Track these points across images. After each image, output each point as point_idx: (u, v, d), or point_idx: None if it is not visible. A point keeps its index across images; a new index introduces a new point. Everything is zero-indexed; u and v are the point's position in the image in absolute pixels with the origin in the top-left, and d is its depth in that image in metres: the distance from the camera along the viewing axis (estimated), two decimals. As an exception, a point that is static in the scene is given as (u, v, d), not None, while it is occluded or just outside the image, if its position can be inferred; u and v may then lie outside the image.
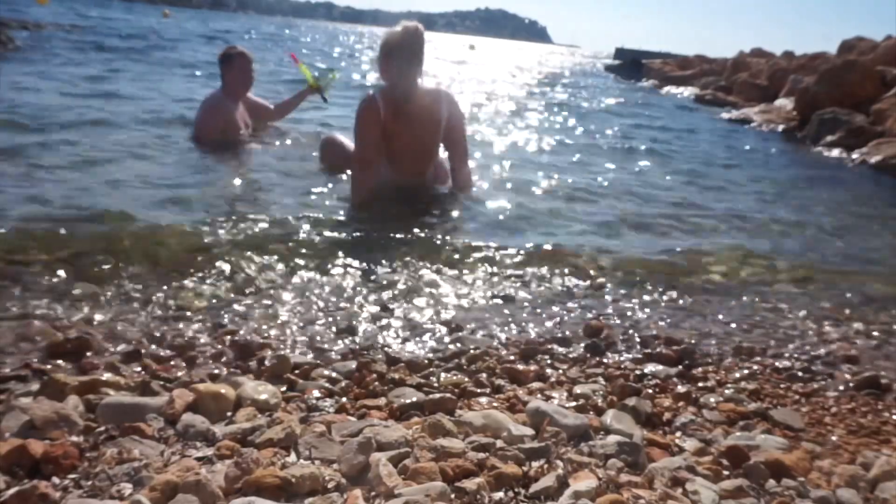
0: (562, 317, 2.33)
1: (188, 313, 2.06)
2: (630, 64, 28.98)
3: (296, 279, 2.42)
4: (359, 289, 2.39)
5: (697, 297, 2.64)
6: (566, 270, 2.79)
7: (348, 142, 3.93)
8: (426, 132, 3.40)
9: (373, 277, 2.51)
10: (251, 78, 4.55)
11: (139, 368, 1.68)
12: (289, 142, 4.80)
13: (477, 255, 2.87)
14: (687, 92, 17.41)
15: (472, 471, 1.25)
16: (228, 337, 1.91)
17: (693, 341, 2.20)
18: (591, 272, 2.80)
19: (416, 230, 3.13)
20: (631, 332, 2.24)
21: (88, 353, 1.73)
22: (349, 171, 3.78)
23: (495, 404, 1.61)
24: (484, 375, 1.78)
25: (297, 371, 1.72)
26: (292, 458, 1.28)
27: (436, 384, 1.71)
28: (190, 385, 1.54)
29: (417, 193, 3.65)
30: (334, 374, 1.72)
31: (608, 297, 2.55)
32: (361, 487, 1.19)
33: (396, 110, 3.28)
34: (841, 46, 12.18)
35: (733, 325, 2.40)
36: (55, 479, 1.16)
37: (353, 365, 1.77)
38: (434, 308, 2.29)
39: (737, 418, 1.67)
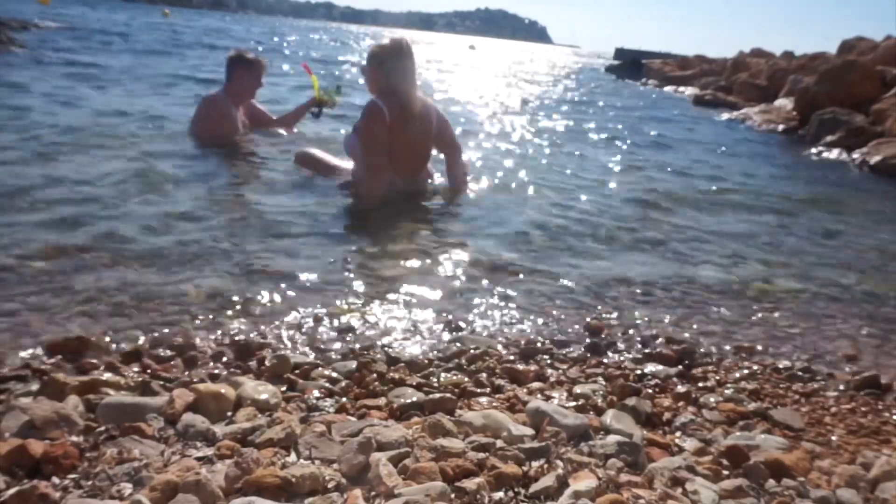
0: (562, 317, 2.33)
1: (188, 313, 2.06)
2: (630, 64, 28.98)
3: (296, 279, 2.42)
4: (359, 288, 2.39)
5: (697, 297, 2.64)
6: (566, 270, 2.79)
7: (322, 154, 4.06)
8: (423, 135, 3.59)
9: (373, 277, 2.51)
10: (260, 85, 4.56)
11: (139, 368, 1.68)
12: (286, 144, 4.80)
13: (477, 255, 2.87)
14: (687, 92, 17.42)
15: (472, 471, 1.25)
16: (228, 337, 1.91)
17: (693, 341, 2.21)
18: (592, 272, 2.80)
19: (415, 231, 3.13)
20: (631, 332, 2.24)
21: (88, 354, 1.73)
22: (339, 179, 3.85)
23: (495, 404, 1.61)
24: (484, 375, 1.78)
25: (297, 371, 1.72)
26: (292, 457, 1.28)
27: (436, 384, 1.71)
28: (190, 385, 1.54)
29: (416, 195, 3.67)
30: (334, 374, 1.72)
31: (608, 297, 2.55)
32: (361, 487, 1.19)
33: (398, 115, 3.42)
34: (841, 46, 12.18)
35: (733, 325, 2.40)
36: (55, 479, 1.16)
37: (353, 365, 1.77)
38: (434, 308, 2.29)
39: (737, 418, 1.67)
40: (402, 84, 3.43)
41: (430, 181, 3.85)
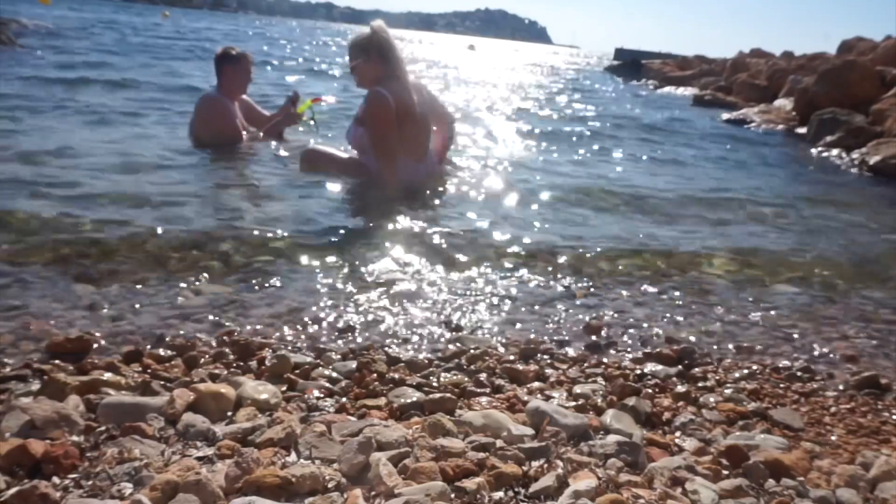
0: (562, 317, 2.33)
1: (188, 313, 2.06)
2: (630, 64, 29.02)
3: (296, 279, 2.42)
4: (359, 289, 2.39)
5: (697, 297, 2.64)
6: (566, 270, 2.79)
7: (330, 150, 4.08)
8: (424, 116, 3.66)
9: (373, 277, 2.51)
10: (250, 79, 4.54)
11: (139, 368, 1.68)
12: (287, 142, 4.80)
13: (477, 254, 2.87)
14: (686, 92, 17.42)
15: (472, 470, 1.26)
16: (228, 337, 1.91)
17: (693, 341, 2.21)
18: (591, 272, 2.81)
19: (416, 230, 3.13)
20: (631, 331, 2.24)
21: (89, 354, 1.73)
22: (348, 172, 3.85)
23: (495, 404, 1.62)
24: (484, 375, 1.78)
25: (297, 371, 1.72)
26: (292, 457, 1.28)
27: (436, 384, 1.71)
28: (190, 385, 1.54)
29: (417, 193, 3.67)
30: (334, 374, 1.73)
31: (608, 297, 2.55)
32: (361, 487, 1.19)
33: (402, 100, 3.47)
34: (841, 46, 12.20)
35: (733, 325, 2.40)
36: (56, 479, 1.16)
37: (353, 365, 1.77)
38: (434, 308, 2.29)
39: (736, 418, 1.67)
40: (398, 68, 3.49)
41: (438, 164, 3.92)
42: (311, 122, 4.81)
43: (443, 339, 2.04)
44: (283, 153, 4.41)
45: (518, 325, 2.22)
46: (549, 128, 7.87)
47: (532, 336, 2.14)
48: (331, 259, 2.65)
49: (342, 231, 3.08)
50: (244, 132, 4.49)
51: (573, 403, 1.65)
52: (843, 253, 3.53)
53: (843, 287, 2.93)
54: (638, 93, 17.93)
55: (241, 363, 1.76)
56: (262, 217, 3.13)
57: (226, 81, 4.39)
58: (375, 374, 1.71)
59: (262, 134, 4.66)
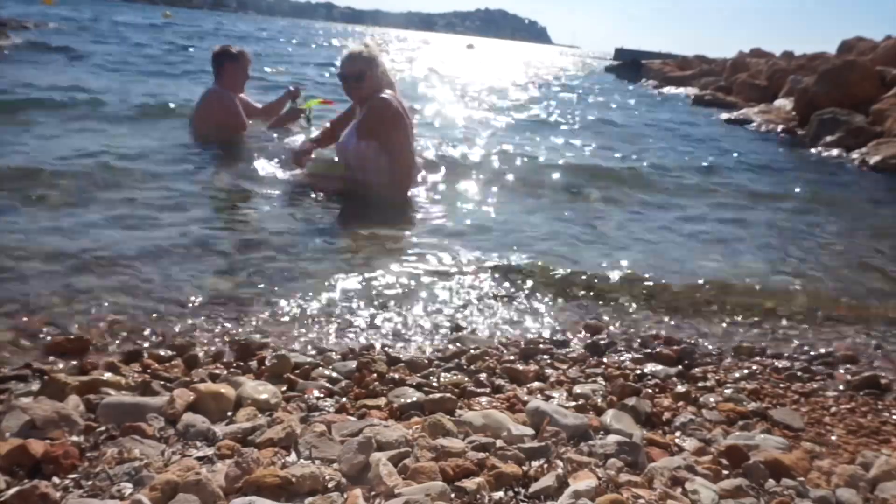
0: (562, 317, 2.33)
1: (188, 313, 2.06)
2: (630, 64, 29.02)
3: (296, 279, 2.42)
4: (359, 289, 2.39)
5: (697, 297, 2.64)
6: (566, 271, 2.79)
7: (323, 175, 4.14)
8: (411, 125, 3.75)
9: (372, 278, 2.51)
10: (248, 77, 4.57)
11: (139, 368, 1.68)
12: (288, 140, 4.79)
13: (477, 255, 2.87)
14: (686, 92, 17.42)
15: (472, 470, 1.26)
16: (228, 337, 1.91)
17: (693, 341, 2.21)
18: (591, 272, 2.80)
19: (415, 231, 3.13)
20: (631, 332, 2.24)
21: (89, 354, 1.73)
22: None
23: (495, 404, 1.62)
24: (484, 375, 1.79)
25: (297, 371, 1.72)
26: (292, 457, 1.28)
27: (436, 384, 1.71)
28: (190, 385, 1.54)
29: (415, 195, 3.67)
30: (334, 374, 1.73)
31: (608, 298, 2.55)
32: (361, 487, 1.19)
33: (401, 108, 3.55)
34: (840, 46, 12.20)
35: (733, 326, 2.40)
36: (56, 479, 1.16)
37: (353, 365, 1.77)
38: (434, 308, 2.29)
39: (736, 418, 1.67)
40: (390, 80, 3.58)
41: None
42: (308, 122, 4.82)
43: (443, 339, 2.04)
44: (282, 155, 4.40)
45: (518, 325, 2.22)
46: (554, 127, 7.87)
47: (532, 336, 2.14)
48: (330, 259, 2.65)
49: (341, 232, 3.08)
50: (247, 125, 4.50)
51: (573, 403, 1.65)
52: (841, 253, 3.53)
53: (843, 286, 2.93)
54: (641, 95, 17.95)
55: (241, 363, 1.76)
56: (262, 218, 3.13)
57: (226, 78, 4.41)
58: (375, 374, 1.71)
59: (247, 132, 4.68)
